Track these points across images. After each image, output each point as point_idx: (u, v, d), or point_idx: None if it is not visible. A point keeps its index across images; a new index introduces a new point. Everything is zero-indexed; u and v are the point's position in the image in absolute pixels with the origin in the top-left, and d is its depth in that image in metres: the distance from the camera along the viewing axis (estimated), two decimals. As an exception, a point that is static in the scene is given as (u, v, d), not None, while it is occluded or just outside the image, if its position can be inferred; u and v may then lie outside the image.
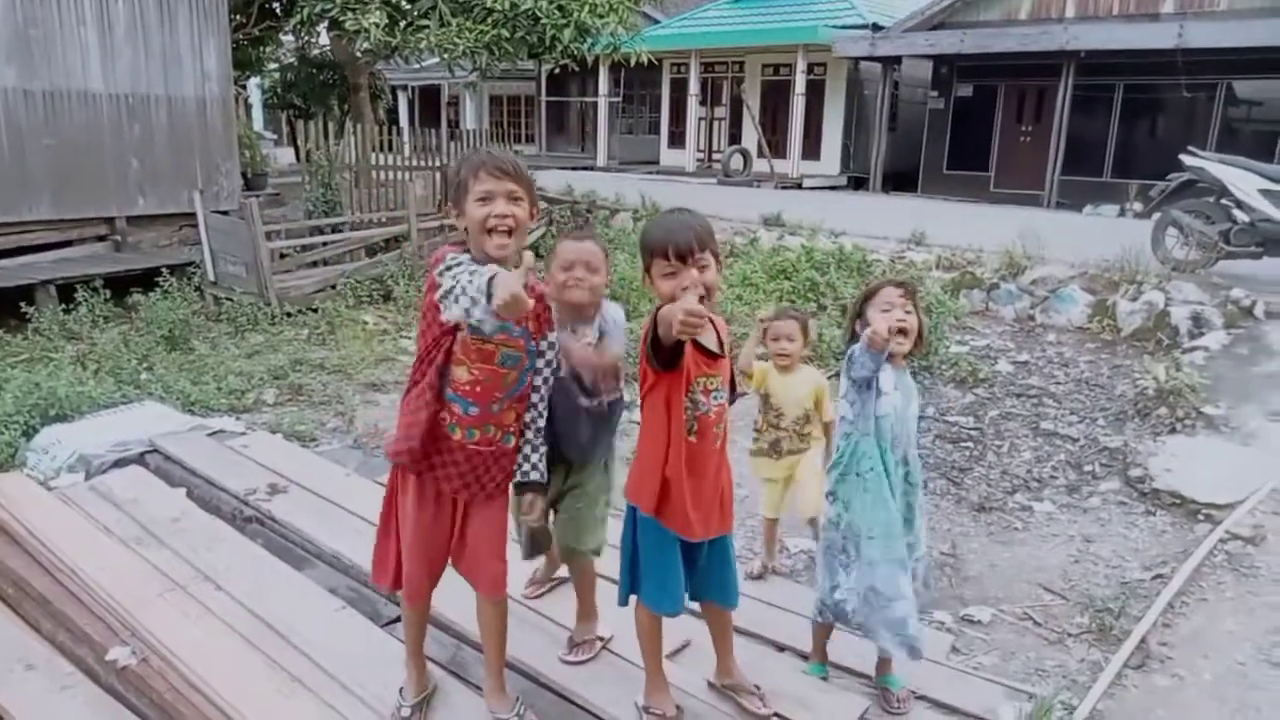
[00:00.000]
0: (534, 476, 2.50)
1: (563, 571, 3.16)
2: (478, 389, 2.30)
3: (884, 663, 2.90)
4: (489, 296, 1.94)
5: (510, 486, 2.50)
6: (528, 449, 2.49)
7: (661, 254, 2.24)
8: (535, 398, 2.47)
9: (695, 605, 2.63)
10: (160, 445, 4.57)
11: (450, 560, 2.51)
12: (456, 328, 2.23)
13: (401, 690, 2.63)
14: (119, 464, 4.42)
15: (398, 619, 3.11)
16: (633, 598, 2.54)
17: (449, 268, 2.13)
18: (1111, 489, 5.17)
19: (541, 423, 2.49)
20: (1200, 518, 4.75)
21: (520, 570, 3.09)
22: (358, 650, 2.87)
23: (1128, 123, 16.56)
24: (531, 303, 2.00)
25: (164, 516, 3.87)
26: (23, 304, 7.70)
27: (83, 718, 2.81)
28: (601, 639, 2.91)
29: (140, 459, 4.50)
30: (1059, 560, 4.36)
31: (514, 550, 2.83)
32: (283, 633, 3.02)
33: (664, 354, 2.23)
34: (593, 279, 2.56)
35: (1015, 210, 13.84)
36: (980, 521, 4.75)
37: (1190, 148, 9.28)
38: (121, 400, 5.36)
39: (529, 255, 2.06)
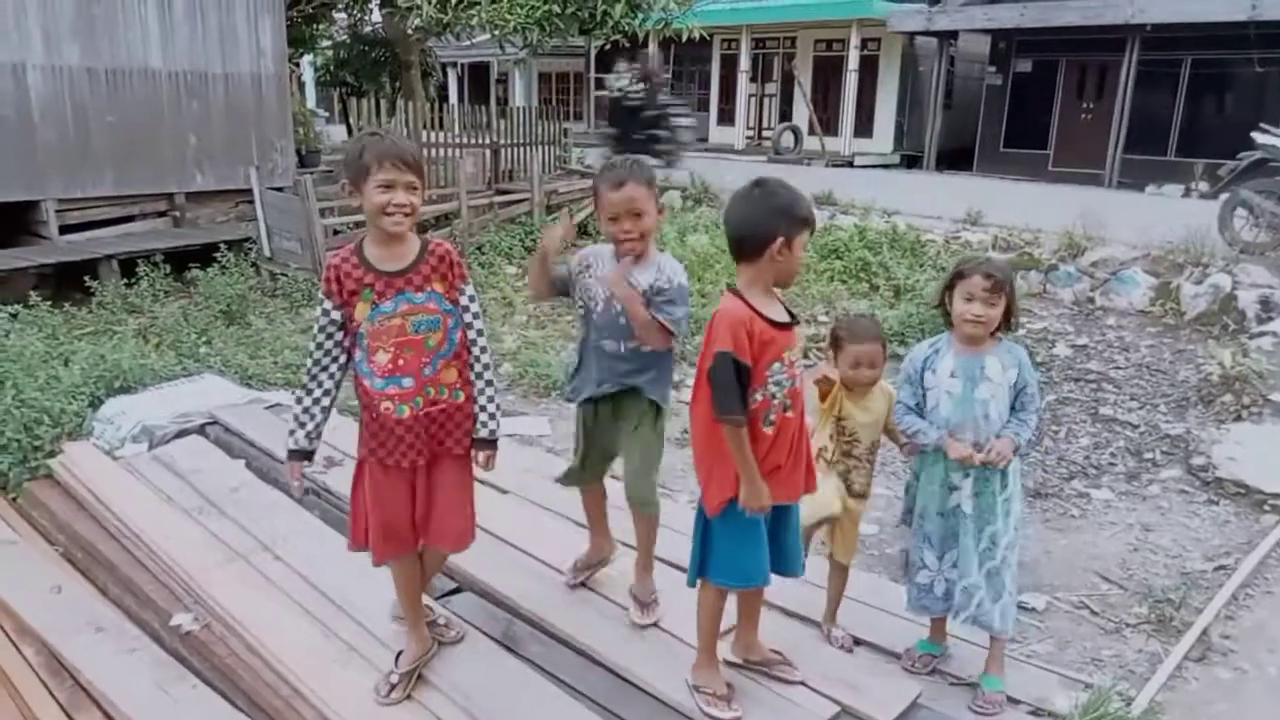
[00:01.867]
0: (483, 434, 2.55)
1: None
2: (402, 363, 2.41)
3: (989, 661, 2.82)
4: None
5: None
6: (482, 400, 2.54)
7: (811, 226, 2.35)
8: (476, 350, 2.52)
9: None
10: (220, 417, 4.67)
11: (418, 530, 2.58)
12: (345, 327, 2.47)
13: (398, 657, 2.70)
14: (181, 435, 4.54)
15: (452, 592, 3.17)
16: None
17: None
18: (1172, 477, 5.04)
19: (490, 374, 2.54)
20: (1266, 508, 4.61)
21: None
22: (412, 622, 2.91)
23: (1195, 99, 15.98)
24: None
25: (224, 487, 3.97)
26: (87, 278, 7.91)
27: (148, 679, 2.90)
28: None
29: (201, 430, 4.61)
30: (1117, 549, 4.27)
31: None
32: (339, 603, 3.08)
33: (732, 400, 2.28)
34: (642, 225, 2.56)
35: (1075, 190, 13.49)
36: (1036, 508, 4.66)
37: (1262, 125, 8.94)
38: (182, 373, 5.48)
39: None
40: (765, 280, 2.35)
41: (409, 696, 2.63)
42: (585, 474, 2.99)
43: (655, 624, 2.91)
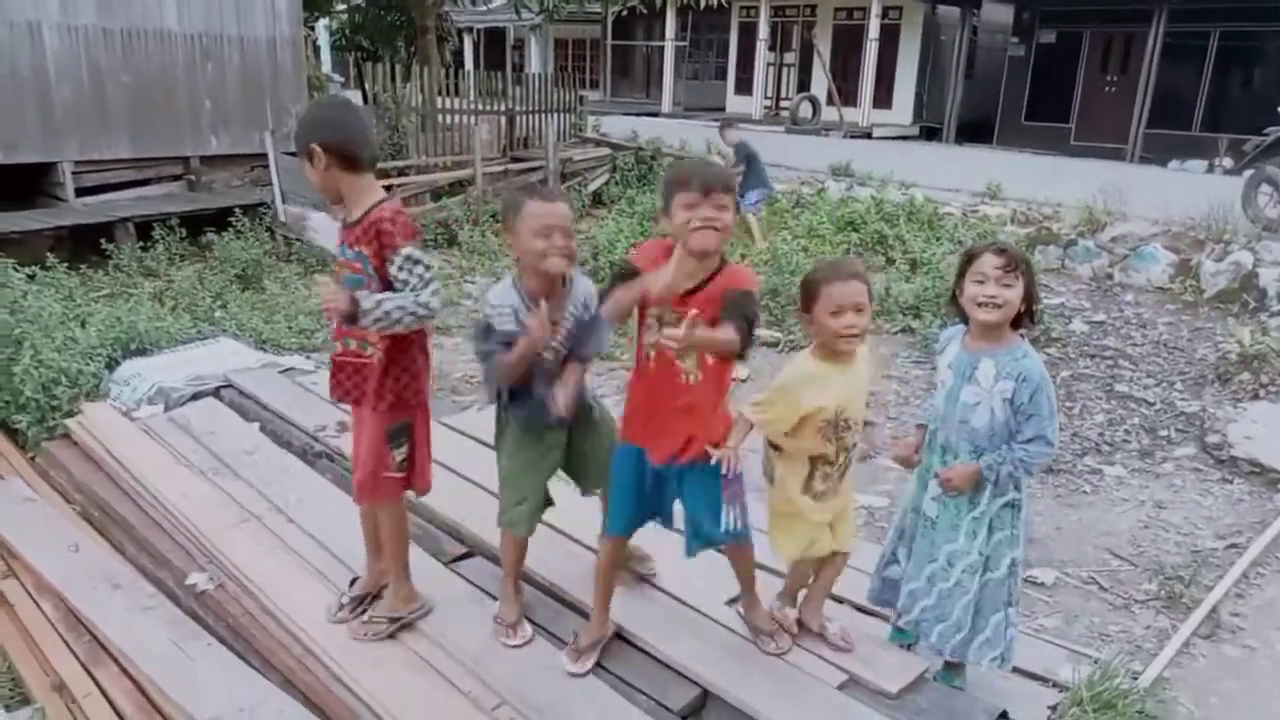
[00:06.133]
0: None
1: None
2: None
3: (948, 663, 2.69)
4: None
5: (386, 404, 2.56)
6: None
7: (686, 185, 2.28)
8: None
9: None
10: (235, 381, 4.70)
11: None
12: None
13: (353, 581, 2.90)
14: (196, 397, 4.57)
15: (461, 556, 3.20)
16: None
17: (415, 262, 2.42)
18: (1186, 455, 5.01)
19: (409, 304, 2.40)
20: (1280, 487, 4.59)
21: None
22: (421, 585, 2.93)
23: (1221, 73, 15.70)
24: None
25: (238, 449, 4.00)
26: (103, 240, 7.94)
27: (163, 637, 2.94)
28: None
29: (216, 393, 4.64)
30: (1128, 525, 4.26)
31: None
32: (351, 565, 3.11)
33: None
34: (570, 244, 2.46)
35: (1096, 164, 13.34)
36: (1047, 483, 4.65)
37: (1291, 100, 8.78)
38: (197, 336, 5.51)
39: None
40: (679, 243, 2.31)
41: (392, 636, 2.73)
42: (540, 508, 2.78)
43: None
